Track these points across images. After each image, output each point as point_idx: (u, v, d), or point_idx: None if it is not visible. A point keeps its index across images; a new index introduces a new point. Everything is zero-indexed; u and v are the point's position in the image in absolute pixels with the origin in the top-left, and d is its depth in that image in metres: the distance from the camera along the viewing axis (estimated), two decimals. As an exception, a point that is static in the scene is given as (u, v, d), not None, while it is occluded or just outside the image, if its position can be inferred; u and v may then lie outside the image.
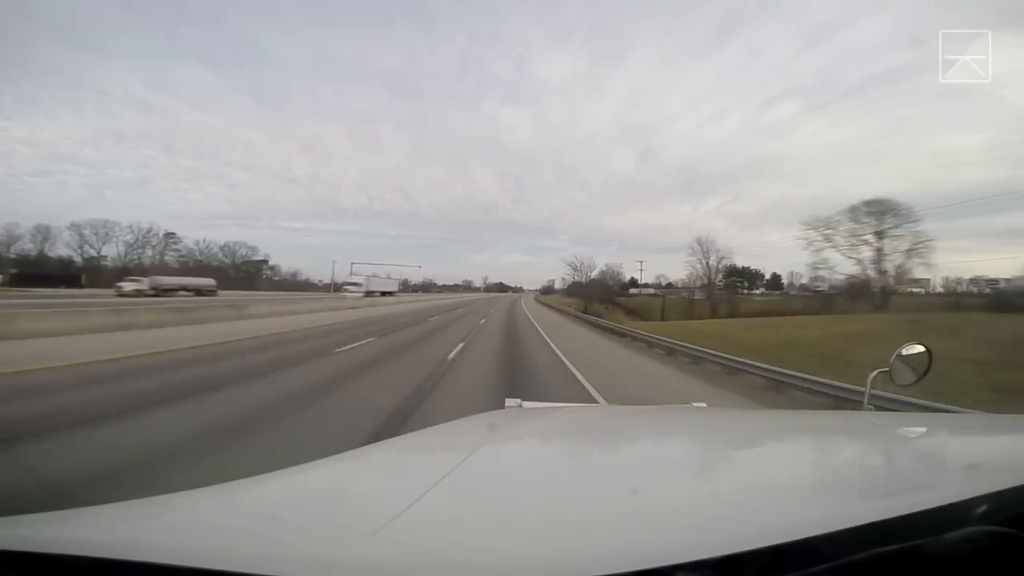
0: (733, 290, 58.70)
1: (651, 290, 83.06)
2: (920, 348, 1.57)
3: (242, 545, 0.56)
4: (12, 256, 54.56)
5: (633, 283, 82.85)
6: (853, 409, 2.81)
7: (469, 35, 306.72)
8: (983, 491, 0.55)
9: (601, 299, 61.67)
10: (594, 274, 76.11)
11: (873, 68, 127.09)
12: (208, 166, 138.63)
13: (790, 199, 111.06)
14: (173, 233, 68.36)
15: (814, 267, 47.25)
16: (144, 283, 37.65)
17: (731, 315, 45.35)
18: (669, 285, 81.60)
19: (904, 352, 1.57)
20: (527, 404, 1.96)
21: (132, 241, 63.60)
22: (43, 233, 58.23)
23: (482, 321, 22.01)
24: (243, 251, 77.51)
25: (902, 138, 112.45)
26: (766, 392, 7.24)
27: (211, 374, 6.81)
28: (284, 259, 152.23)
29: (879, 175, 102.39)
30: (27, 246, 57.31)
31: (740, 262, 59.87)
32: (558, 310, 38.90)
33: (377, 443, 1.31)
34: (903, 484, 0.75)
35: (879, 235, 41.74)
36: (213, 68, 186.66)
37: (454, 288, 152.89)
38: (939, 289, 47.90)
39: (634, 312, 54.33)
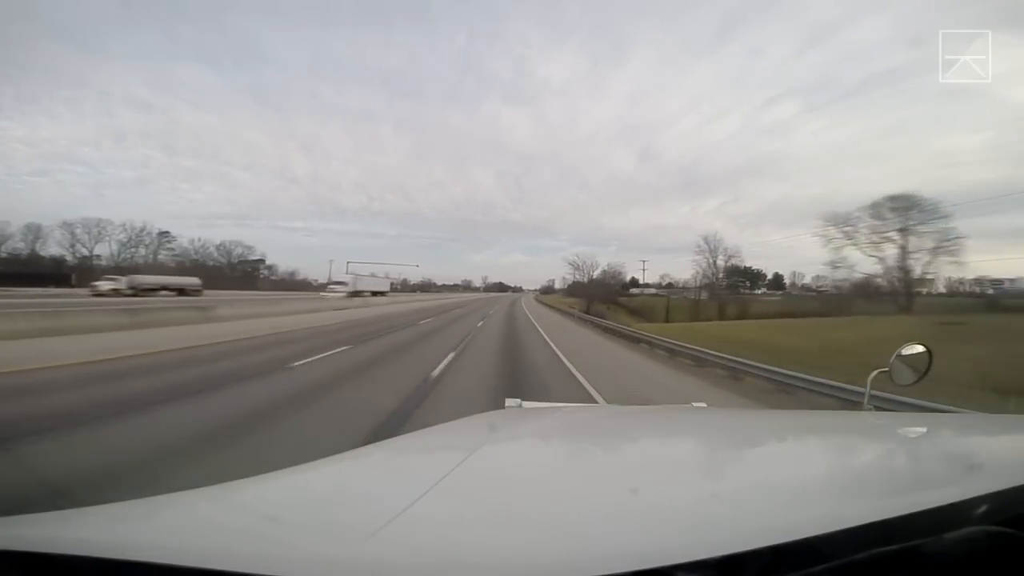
0: (735, 290, 58.01)
1: (652, 290, 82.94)
2: (920, 348, 1.57)
3: (242, 545, 0.56)
4: (3, 255, 53.94)
5: (634, 283, 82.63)
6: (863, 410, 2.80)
7: (469, 35, 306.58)
8: (983, 491, 0.55)
9: (603, 299, 61.25)
10: (596, 274, 75.42)
11: (873, 68, 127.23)
12: (208, 166, 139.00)
13: (790, 199, 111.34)
14: (167, 232, 68.13)
15: (833, 265, 44.76)
16: (122, 282, 36.15)
17: (740, 316, 44.13)
18: (670, 285, 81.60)
19: (904, 352, 1.57)
20: (527, 404, 1.96)
21: (125, 240, 63.46)
22: (34, 232, 57.88)
23: (479, 324, 19.91)
24: (239, 250, 77.20)
25: (902, 138, 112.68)
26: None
27: (102, 398, 5.21)
28: (284, 259, 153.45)
29: (879, 175, 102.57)
30: (18, 245, 56.82)
31: (734, 262, 58.98)
32: (560, 311, 38.00)
33: (377, 443, 1.31)
34: (903, 484, 0.75)
35: (904, 232, 39.52)
36: (213, 68, 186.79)
37: (453, 288, 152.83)
38: (941, 289, 46.03)
39: (637, 312, 53.71)
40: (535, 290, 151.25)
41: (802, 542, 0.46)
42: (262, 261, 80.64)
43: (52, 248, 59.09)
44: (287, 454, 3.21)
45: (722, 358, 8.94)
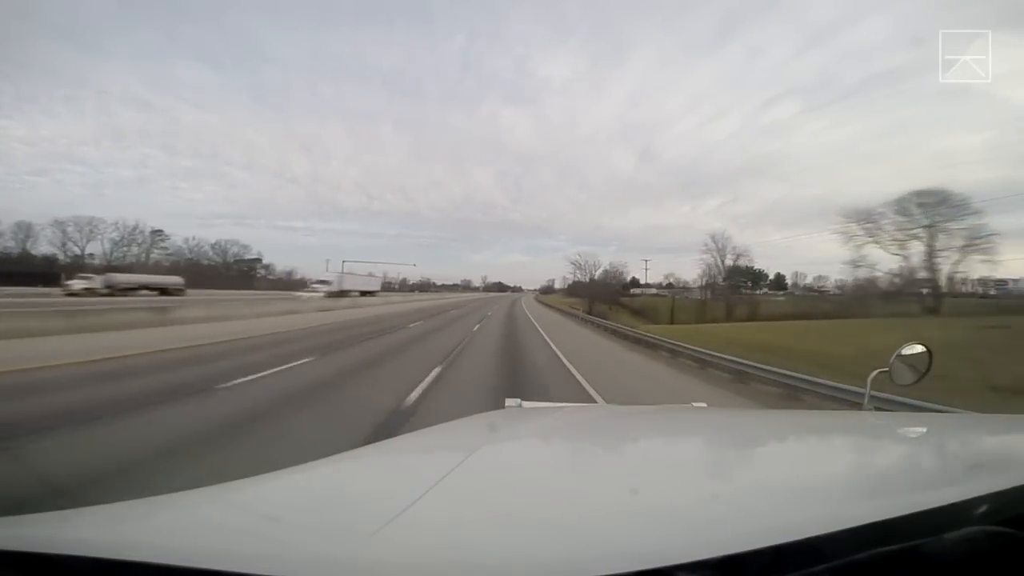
0: (736, 290, 57.26)
1: (652, 290, 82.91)
2: (920, 348, 1.57)
3: (242, 545, 0.56)
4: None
5: (634, 283, 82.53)
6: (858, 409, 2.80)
7: (469, 34, 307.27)
8: (983, 491, 0.55)
9: (605, 299, 60.80)
10: (598, 273, 74.49)
11: (873, 68, 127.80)
12: (207, 165, 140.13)
13: (790, 199, 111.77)
14: (160, 230, 67.63)
15: (853, 263, 42.45)
16: (97, 281, 34.77)
17: (751, 318, 42.78)
18: (670, 285, 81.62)
19: (904, 352, 1.57)
20: (527, 404, 1.96)
21: (118, 239, 62.92)
22: (25, 230, 57.39)
23: (476, 328, 17.80)
24: (235, 249, 76.77)
25: (902, 138, 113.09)
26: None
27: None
28: (284, 259, 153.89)
29: (879, 175, 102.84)
30: (9, 244, 56.69)
31: (743, 262, 58.36)
32: (562, 311, 36.87)
33: (377, 443, 1.31)
34: (903, 484, 0.75)
35: (931, 229, 37.11)
36: (212, 67, 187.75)
37: (453, 288, 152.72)
38: (943, 290, 44.92)
39: (640, 313, 53.10)
40: (534, 290, 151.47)
41: (803, 542, 0.46)
42: (259, 260, 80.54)
43: (44, 247, 58.75)
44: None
45: (766, 370, 7.54)
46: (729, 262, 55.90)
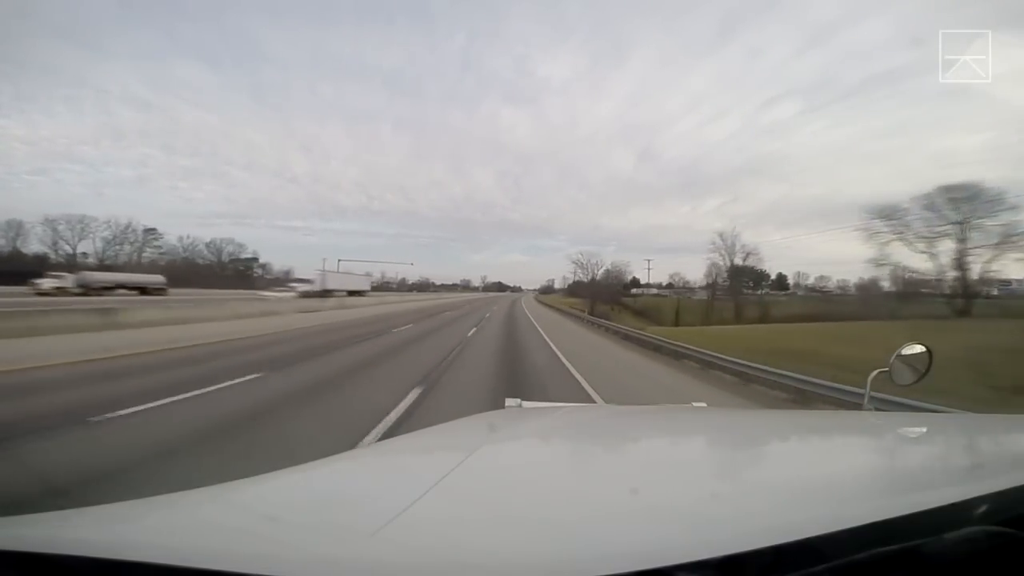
0: (739, 290, 56.31)
1: (653, 290, 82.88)
2: (920, 348, 1.56)
3: (242, 545, 0.56)
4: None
5: (635, 283, 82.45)
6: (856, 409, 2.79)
7: (469, 34, 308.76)
8: (983, 491, 0.55)
9: (607, 299, 60.34)
10: (600, 272, 74.03)
11: (873, 68, 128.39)
12: (207, 165, 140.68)
13: (789, 199, 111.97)
14: (154, 229, 66.83)
15: (876, 262, 40.17)
16: (69, 279, 32.81)
17: (762, 319, 41.50)
18: (670, 285, 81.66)
19: (904, 352, 1.57)
20: (527, 404, 1.96)
21: (110, 237, 62.13)
22: (15, 228, 56.68)
23: (471, 333, 15.22)
24: (230, 248, 75.99)
25: (902, 138, 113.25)
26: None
27: None
28: (284, 259, 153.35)
29: (879, 175, 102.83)
30: None
31: (751, 261, 56.95)
32: (564, 312, 35.24)
33: (377, 443, 1.32)
34: (903, 484, 0.76)
35: (963, 225, 34.67)
36: (212, 67, 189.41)
37: (452, 288, 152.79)
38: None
39: (643, 314, 52.37)
40: (534, 290, 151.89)
41: (803, 542, 0.46)
42: (255, 259, 79.98)
43: (36, 246, 57.94)
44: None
45: (836, 388, 6.03)
46: (739, 261, 54.97)
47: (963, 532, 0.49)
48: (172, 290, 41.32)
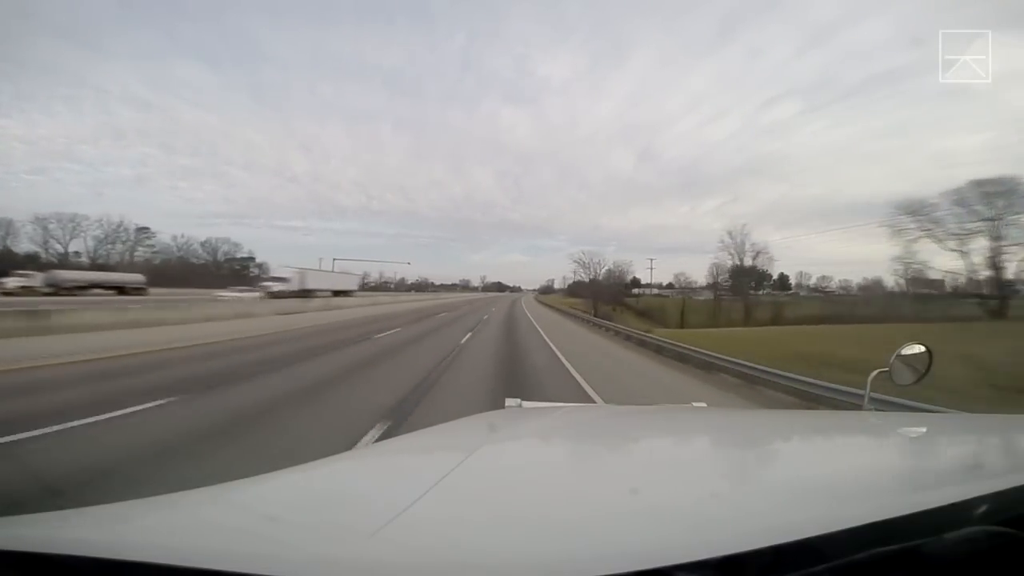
0: (744, 291, 55.33)
1: (654, 290, 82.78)
2: (920, 348, 1.56)
3: (242, 545, 0.56)
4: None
5: (635, 283, 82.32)
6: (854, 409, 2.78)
7: (469, 34, 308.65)
8: (983, 491, 0.55)
9: (608, 299, 59.78)
10: (602, 272, 72.82)
11: (873, 68, 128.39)
12: (207, 164, 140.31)
13: (789, 199, 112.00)
14: (146, 228, 66.18)
15: (903, 261, 38.39)
16: (37, 278, 31.19)
17: (774, 321, 40.10)
18: (670, 285, 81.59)
19: (904, 352, 1.56)
20: (527, 404, 1.96)
21: (102, 236, 61.30)
22: (4, 227, 55.66)
23: (464, 339, 13.16)
24: (225, 247, 75.19)
25: (902, 138, 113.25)
26: None
27: None
28: (284, 258, 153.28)
29: (879, 175, 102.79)
30: None
31: (761, 260, 56.02)
32: (565, 312, 33.62)
33: (377, 443, 1.32)
34: (903, 484, 0.75)
35: (997, 222, 32.96)
36: (212, 66, 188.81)
37: (451, 288, 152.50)
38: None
39: (645, 315, 51.60)
40: (534, 290, 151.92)
41: (802, 542, 0.46)
42: (252, 259, 79.20)
43: (27, 245, 57.02)
44: None
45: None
46: (748, 261, 54.15)
47: (963, 532, 0.49)
48: (157, 290, 40.11)
